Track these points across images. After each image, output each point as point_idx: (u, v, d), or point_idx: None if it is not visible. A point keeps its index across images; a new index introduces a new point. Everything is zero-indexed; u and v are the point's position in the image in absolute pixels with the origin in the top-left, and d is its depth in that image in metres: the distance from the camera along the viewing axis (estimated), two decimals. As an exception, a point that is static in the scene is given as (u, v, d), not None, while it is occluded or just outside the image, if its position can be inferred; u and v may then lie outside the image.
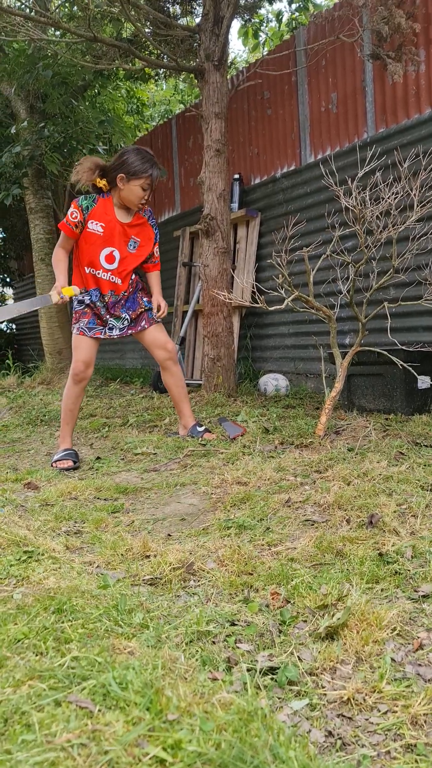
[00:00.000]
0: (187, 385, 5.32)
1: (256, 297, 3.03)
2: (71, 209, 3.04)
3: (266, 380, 4.76)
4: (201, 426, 3.33)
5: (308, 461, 2.53)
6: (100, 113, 6.57)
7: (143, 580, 1.52)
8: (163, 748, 0.76)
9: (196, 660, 1.09)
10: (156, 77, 6.85)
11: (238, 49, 19.34)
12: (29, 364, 8.37)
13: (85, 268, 3.11)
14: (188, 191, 6.65)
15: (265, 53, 7.35)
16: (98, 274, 3.11)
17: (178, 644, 1.16)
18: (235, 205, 5.43)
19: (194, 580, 1.53)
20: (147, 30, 5.12)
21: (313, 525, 1.87)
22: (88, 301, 3.13)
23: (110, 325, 3.20)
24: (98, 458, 3.09)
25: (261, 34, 7.03)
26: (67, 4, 5.94)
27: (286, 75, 5.07)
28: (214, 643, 1.20)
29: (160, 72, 6.52)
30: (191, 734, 0.75)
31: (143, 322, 3.23)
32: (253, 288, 4.78)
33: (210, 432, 3.30)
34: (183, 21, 5.72)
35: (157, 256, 3.32)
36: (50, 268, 6.91)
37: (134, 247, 3.15)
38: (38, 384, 6.41)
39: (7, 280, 11.38)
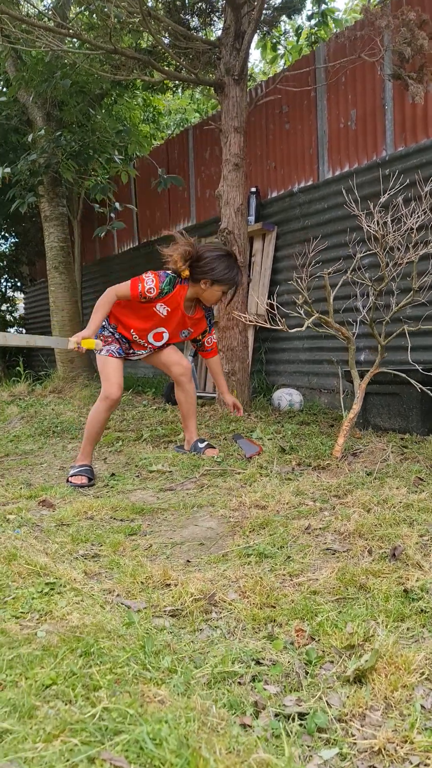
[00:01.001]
0: (201, 398, 5.31)
1: (276, 317, 3.02)
2: (151, 284, 2.97)
3: (280, 395, 4.74)
4: (203, 442, 3.36)
5: (327, 485, 2.51)
6: (117, 122, 6.58)
7: (164, 611, 1.50)
8: None
9: (224, 705, 1.07)
10: (174, 88, 6.86)
11: (254, 59, 19.37)
12: (40, 371, 8.38)
13: (131, 330, 3.14)
14: (204, 202, 6.65)
15: (283, 66, 7.36)
16: (139, 341, 3.18)
17: (205, 685, 1.14)
18: (252, 218, 5.43)
19: (216, 612, 1.51)
20: (165, 40, 5.13)
21: (334, 554, 1.85)
22: (117, 337, 3.18)
23: (137, 355, 3.29)
24: (113, 475, 3.07)
25: (280, 47, 7.03)
26: (86, 13, 5.96)
27: (305, 90, 5.07)
28: (240, 684, 1.18)
29: (178, 83, 6.53)
30: (231, 802, 0.73)
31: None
32: (270, 306, 4.77)
33: (213, 447, 3.33)
34: (201, 34, 5.73)
35: (211, 344, 3.37)
36: (63, 276, 6.92)
37: (184, 336, 3.28)
38: (49, 393, 6.41)
39: (18, 284, 11.41)
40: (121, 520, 2.37)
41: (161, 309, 3.07)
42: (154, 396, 6.05)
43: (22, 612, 1.30)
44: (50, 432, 4.46)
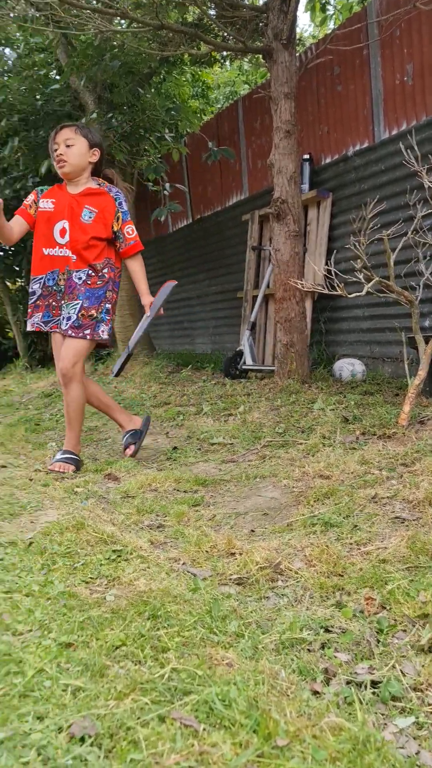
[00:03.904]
0: (259, 371, 5.28)
1: (335, 284, 2.94)
2: (29, 197, 2.96)
3: (341, 365, 4.65)
4: (132, 434, 3.09)
5: (393, 454, 2.44)
6: (166, 100, 6.52)
7: (230, 579, 1.49)
8: (272, 773, 0.73)
9: (293, 671, 1.06)
10: (222, 60, 6.73)
11: (303, 23, 18.82)
12: (103, 351, 8.51)
13: (42, 249, 2.88)
14: (256, 173, 6.54)
15: (333, 27, 7.10)
16: (55, 251, 2.87)
17: (273, 651, 1.13)
18: (306, 186, 5.30)
19: (282, 580, 1.50)
20: (212, 12, 5.03)
21: (403, 523, 1.80)
22: (40, 290, 2.91)
23: (64, 314, 2.86)
24: (175, 448, 3.10)
25: (329, 7, 6.78)
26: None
27: (356, 49, 4.88)
28: (309, 651, 1.17)
29: (225, 54, 6.40)
30: (303, 763, 0.72)
31: (86, 330, 2.85)
32: (329, 273, 4.66)
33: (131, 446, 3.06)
34: (247, 1, 5.58)
35: (131, 236, 2.93)
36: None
37: (90, 217, 2.85)
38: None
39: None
40: (185, 491, 2.38)
41: (47, 204, 2.88)
42: (213, 371, 6.05)
43: (91, 577, 1.32)
44: (113, 410, 4.54)
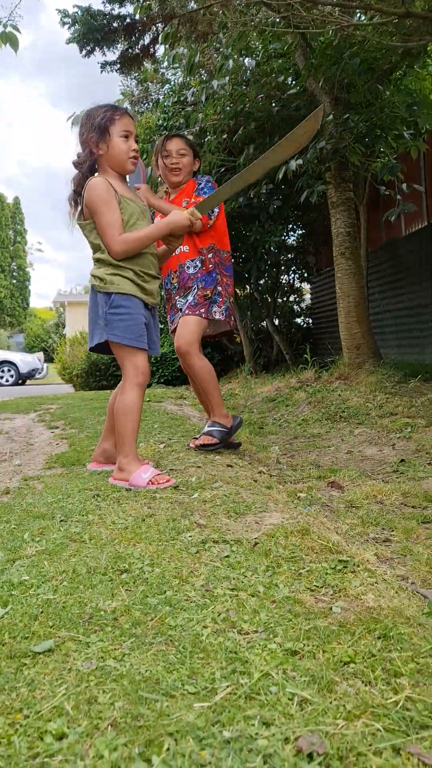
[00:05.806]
0: None
1: None
2: None
3: None
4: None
5: None
6: (407, 96, 6.27)
7: (468, 607, 1.35)
8: None
9: None
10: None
11: None
12: (326, 358, 8.48)
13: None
14: None
15: None
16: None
17: None
18: None
19: None
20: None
21: None
22: (165, 295, 3.06)
23: (178, 306, 2.98)
24: (402, 461, 2.95)
25: None
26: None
27: None
28: None
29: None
30: None
31: (201, 309, 2.92)
32: None
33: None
34: None
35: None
36: (349, 263, 6.86)
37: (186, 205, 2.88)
38: (335, 379, 6.43)
39: (305, 275, 11.67)
40: (413, 507, 2.25)
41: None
42: (446, 383, 5.67)
43: (316, 585, 1.28)
44: (337, 417, 4.48)
